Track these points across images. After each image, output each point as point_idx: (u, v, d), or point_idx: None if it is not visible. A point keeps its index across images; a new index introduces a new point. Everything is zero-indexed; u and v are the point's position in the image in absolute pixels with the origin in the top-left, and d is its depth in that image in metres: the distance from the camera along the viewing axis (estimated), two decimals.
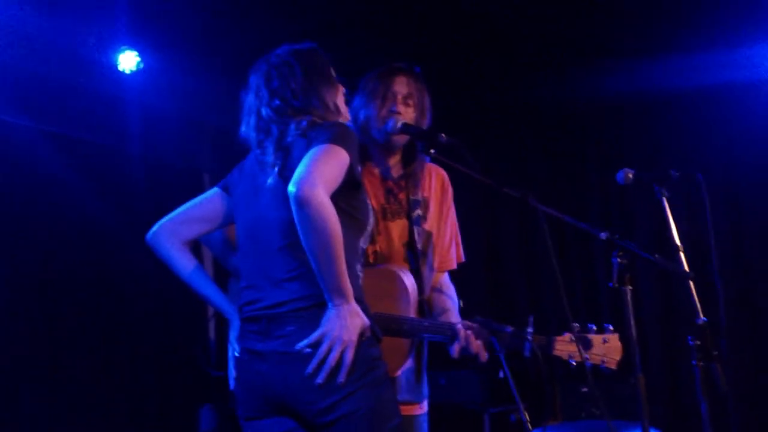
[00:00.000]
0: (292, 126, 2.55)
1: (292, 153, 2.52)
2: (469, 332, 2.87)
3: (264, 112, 2.61)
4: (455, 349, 2.88)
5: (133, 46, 4.95)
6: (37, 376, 5.01)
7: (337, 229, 2.32)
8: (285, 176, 2.49)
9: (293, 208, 2.31)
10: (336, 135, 2.44)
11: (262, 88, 2.64)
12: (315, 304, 2.43)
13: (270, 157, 2.56)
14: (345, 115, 2.74)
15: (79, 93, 5.02)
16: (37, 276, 5.15)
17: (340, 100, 2.72)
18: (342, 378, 2.37)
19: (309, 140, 2.47)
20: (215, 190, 2.77)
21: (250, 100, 2.67)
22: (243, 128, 2.69)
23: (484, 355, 2.87)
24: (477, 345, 2.87)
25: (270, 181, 2.54)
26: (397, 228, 3.06)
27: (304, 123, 2.55)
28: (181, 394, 5.81)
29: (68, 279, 5.30)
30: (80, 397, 5.22)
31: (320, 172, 2.33)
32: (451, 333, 2.88)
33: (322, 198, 2.29)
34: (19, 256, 5.04)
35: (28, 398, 4.94)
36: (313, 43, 2.72)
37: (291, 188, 2.31)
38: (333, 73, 2.70)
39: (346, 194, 2.47)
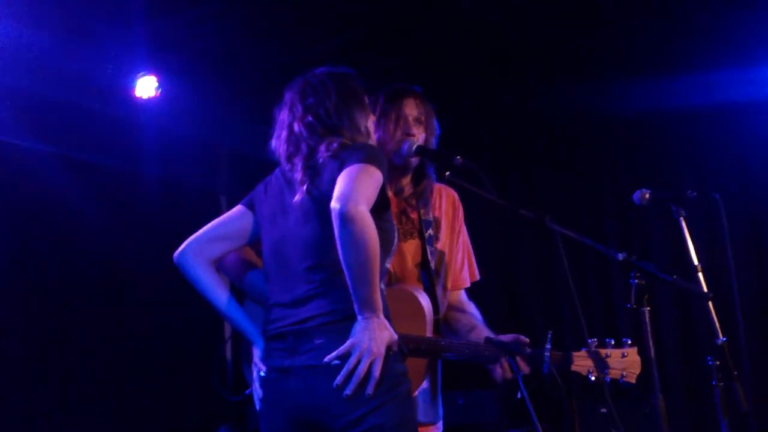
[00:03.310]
0: (323, 147, 2.56)
1: (321, 173, 2.53)
2: (503, 360, 2.88)
3: (296, 127, 2.63)
4: (498, 374, 2.91)
5: (150, 71, 4.99)
6: (50, 394, 5.04)
7: (377, 246, 2.35)
8: (313, 195, 2.52)
9: (336, 224, 2.33)
10: (369, 155, 2.46)
11: (296, 104, 2.66)
12: (343, 318, 2.43)
13: (298, 174, 2.58)
14: (374, 141, 2.77)
15: (97, 118, 5.05)
16: (55, 297, 5.19)
17: (371, 126, 2.75)
18: (370, 390, 2.37)
19: (341, 161, 2.48)
20: (240, 207, 2.77)
21: (283, 115, 2.69)
22: (273, 142, 2.71)
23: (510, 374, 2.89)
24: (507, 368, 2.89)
25: (297, 198, 2.56)
26: (410, 248, 3.07)
27: (335, 144, 2.56)
28: (198, 415, 5.81)
29: (85, 300, 5.34)
30: (93, 419, 5.22)
31: (362, 190, 2.36)
32: (493, 358, 2.91)
33: (365, 215, 2.32)
34: (36, 279, 5.09)
35: (40, 413, 4.96)
36: (351, 69, 2.75)
37: (335, 204, 2.33)
38: (366, 99, 2.73)
39: (378, 214, 2.48)
